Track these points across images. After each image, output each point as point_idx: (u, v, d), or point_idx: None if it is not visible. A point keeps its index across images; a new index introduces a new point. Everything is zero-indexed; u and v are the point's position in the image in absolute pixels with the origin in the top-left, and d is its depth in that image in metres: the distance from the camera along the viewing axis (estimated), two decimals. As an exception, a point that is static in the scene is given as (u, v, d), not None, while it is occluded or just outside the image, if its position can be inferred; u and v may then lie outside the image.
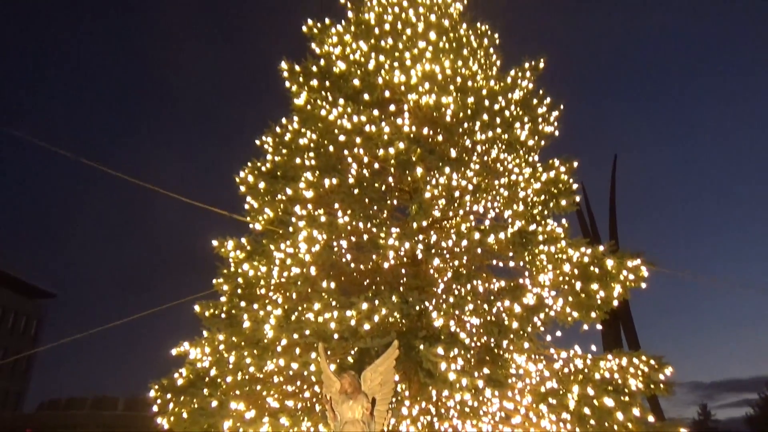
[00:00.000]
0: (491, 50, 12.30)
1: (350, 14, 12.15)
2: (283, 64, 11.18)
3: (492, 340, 8.98)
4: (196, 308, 9.70)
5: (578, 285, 9.12)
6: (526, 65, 11.51)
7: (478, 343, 9.13)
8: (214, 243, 10.02)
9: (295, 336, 8.10)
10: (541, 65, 11.51)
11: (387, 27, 11.48)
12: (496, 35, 12.41)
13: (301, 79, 11.08)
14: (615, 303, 9.29)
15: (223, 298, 9.80)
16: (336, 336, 8.09)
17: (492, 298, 9.03)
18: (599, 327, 9.67)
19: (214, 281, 9.92)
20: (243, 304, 9.03)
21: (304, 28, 11.92)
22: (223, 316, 9.44)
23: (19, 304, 55.86)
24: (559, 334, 9.47)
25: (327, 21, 11.88)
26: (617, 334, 22.66)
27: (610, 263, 9.04)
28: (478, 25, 12.40)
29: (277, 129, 11.00)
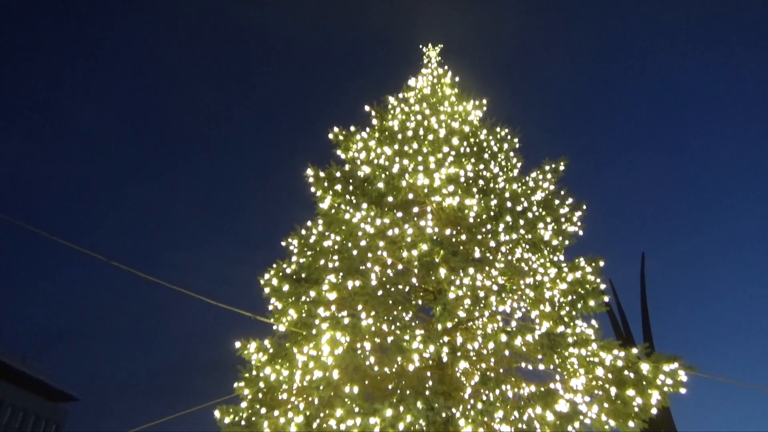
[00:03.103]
0: (511, 153, 12.66)
1: (374, 121, 12.74)
2: (309, 171, 11.61)
3: (524, 451, 8.45)
4: (216, 414, 9.45)
5: (613, 391, 8.67)
6: (547, 167, 11.76)
7: (509, 455, 8.59)
8: (237, 344, 9.95)
9: (316, 446, 7.78)
10: (561, 167, 11.74)
11: (410, 133, 11.96)
12: (516, 139, 12.82)
13: (326, 184, 11.46)
14: (654, 411, 8.78)
15: (243, 404, 9.56)
16: (359, 446, 7.72)
17: (522, 404, 8.63)
18: (639, 437, 9.07)
19: (236, 385, 9.74)
20: (264, 410, 8.78)
21: (330, 136, 12.40)
22: (243, 423, 9.17)
23: (41, 407, 55.13)
24: (596, 444, 8.90)
25: (352, 128, 12.42)
26: (660, 445, 21.17)
27: (645, 368, 8.64)
28: (498, 129, 12.85)
29: (303, 231, 11.23)
